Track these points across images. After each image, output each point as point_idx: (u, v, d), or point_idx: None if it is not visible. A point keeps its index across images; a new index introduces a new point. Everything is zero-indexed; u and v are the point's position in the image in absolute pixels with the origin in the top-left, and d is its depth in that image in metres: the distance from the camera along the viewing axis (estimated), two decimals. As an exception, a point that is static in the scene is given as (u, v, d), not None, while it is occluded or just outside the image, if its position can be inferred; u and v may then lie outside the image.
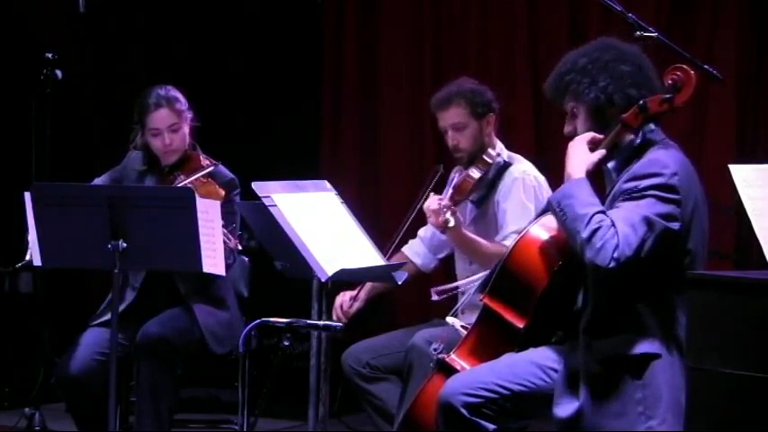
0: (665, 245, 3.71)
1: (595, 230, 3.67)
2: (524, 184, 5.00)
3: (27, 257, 4.98)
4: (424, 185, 5.05)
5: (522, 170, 5.05)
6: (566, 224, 3.76)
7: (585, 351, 3.80)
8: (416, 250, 5.28)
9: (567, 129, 3.97)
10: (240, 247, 4.96)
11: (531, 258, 3.97)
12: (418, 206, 4.95)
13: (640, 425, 3.74)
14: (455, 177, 5.00)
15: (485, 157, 5.00)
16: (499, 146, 5.12)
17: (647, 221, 3.68)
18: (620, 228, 3.66)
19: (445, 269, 5.40)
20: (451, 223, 4.82)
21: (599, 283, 3.79)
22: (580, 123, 3.93)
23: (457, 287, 4.70)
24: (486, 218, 5.06)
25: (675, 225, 3.73)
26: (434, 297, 4.64)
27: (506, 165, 5.05)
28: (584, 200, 3.75)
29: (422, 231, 5.25)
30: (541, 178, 5.08)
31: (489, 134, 5.09)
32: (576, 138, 3.90)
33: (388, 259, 4.71)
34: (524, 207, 4.94)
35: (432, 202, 4.86)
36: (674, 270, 3.77)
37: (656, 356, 3.75)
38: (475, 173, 4.97)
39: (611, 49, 3.92)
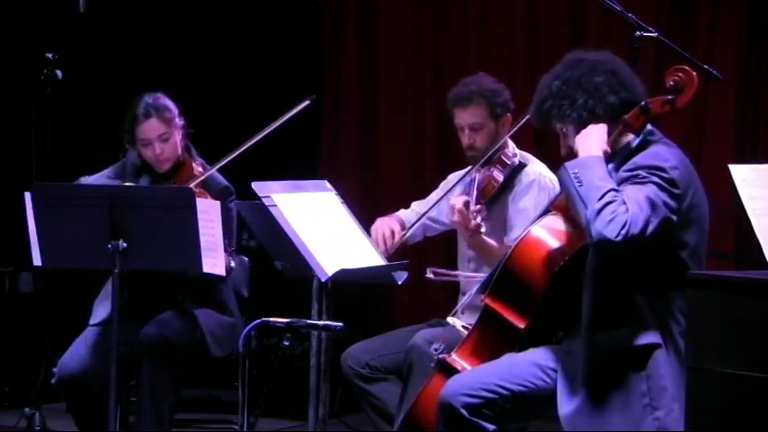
0: (662, 234, 3.72)
1: (608, 203, 3.68)
2: (540, 185, 4.95)
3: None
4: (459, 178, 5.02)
5: (538, 171, 5.01)
6: (579, 191, 3.74)
7: (588, 347, 3.81)
8: (410, 220, 5.22)
9: (564, 151, 3.99)
10: (233, 264, 4.93)
11: (533, 259, 3.97)
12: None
13: (647, 416, 3.75)
14: (476, 177, 4.96)
15: (504, 159, 4.96)
16: (512, 145, 5.08)
17: (652, 203, 3.70)
18: (630, 205, 3.67)
19: (447, 259, 5.38)
20: (483, 229, 4.79)
21: (599, 261, 3.79)
22: (572, 142, 3.94)
23: (456, 276, 4.68)
24: (497, 218, 5.01)
25: (674, 216, 3.74)
26: (429, 275, 4.61)
27: (521, 165, 5.01)
28: (601, 174, 3.76)
29: (417, 206, 5.20)
30: (555, 179, 5.04)
31: (504, 134, 5.05)
32: (597, 125, 3.89)
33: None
34: (537, 209, 4.90)
35: (458, 202, 4.83)
36: (670, 263, 3.79)
37: (657, 346, 3.77)
38: (499, 176, 4.92)
39: (580, 63, 3.93)
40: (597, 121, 3.88)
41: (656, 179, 3.74)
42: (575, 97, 3.88)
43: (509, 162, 4.97)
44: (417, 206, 5.22)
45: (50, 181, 5.40)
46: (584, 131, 3.89)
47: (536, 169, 5.03)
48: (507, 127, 5.05)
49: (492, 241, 4.91)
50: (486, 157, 4.95)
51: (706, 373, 3.42)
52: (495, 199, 5.01)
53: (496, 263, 4.78)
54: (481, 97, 5.00)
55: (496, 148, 4.96)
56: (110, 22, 7.10)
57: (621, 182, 3.78)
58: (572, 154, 3.93)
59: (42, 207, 4.54)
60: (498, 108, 5.01)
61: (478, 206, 4.80)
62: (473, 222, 4.76)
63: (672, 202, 3.74)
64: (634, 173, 3.77)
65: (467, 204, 4.79)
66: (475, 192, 4.89)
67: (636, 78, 3.92)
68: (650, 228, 3.67)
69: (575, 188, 3.77)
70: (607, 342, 3.80)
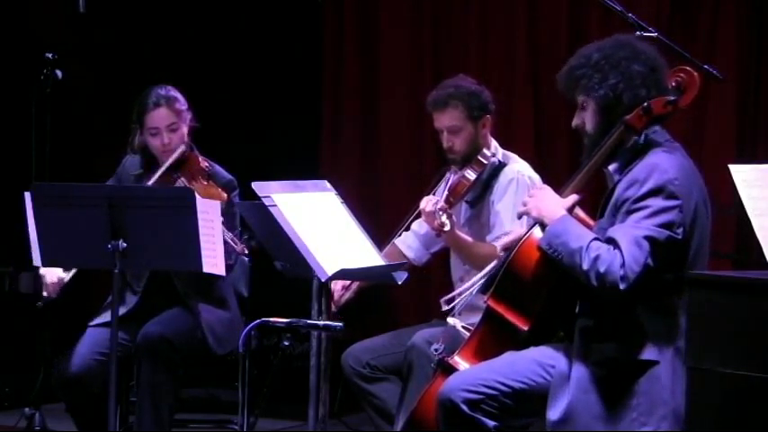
0: (669, 252, 3.71)
1: (596, 258, 3.69)
2: (518, 184, 4.97)
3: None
4: (429, 186, 5.04)
5: (517, 170, 5.02)
6: (564, 263, 3.78)
7: (580, 353, 3.80)
8: (409, 244, 5.25)
9: (576, 121, 3.98)
10: (246, 251, 4.95)
11: (535, 261, 3.96)
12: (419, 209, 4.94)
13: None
14: (450, 178, 4.98)
15: (480, 158, 4.96)
16: (494, 145, 5.10)
17: (651, 239, 3.70)
18: (624, 246, 3.68)
19: (445, 269, 5.39)
20: (447, 227, 4.80)
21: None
22: (588, 118, 3.94)
23: (464, 292, 4.68)
24: (481, 218, 5.05)
25: (679, 231, 3.73)
26: (444, 307, 4.64)
27: (501, 165, 5.02)
28: (575, 233, 3.79)
29: (415, 225, 5.22)
30: (536, 177, 5.06)
31: (485, 135, 5.06)
32: (543, 187, 3.97)
33: (380, 252, 4.70)
34: (515, 208, 4.91)
35: (427, 204, 4.84)
36: (677, 274, 3.77)
37: (653, 363, 3.75)
38: (470, 174, 4.93)
39: (627, 47, 3.92)
40: (620, 107, 3.87)
41: (653, 200, 3.73)
42: (608, 75, 3.87)
43: (486, 162, 4.96)
44: (415, 226, 5.22)
45: (50, 181, 5.39)
46: (535, 199, 3.94)
47: (515, 168, 5.03)
48: (488, 128, 5.06)
49: (466, 236, 4.94)
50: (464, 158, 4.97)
51: (706, 373, 3.42)
52: (477, 199, 5.03)
53: (477, 258, 4.82)
54: (458, 100, 5.00)
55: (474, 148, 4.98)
56: (110, 22, 7.10)
57: (622, 202, 3.77)
58: (582, 127, 3.95)
59: (42, 207, 4.54)
60: (476, 110, 5.01)
61: (441, 204, 4.80)
62: (436, 222, 4.77)
63: (675, 218, 3.73)
64: (633, 191, 3.75)
65: (435, 205, 4.81)
66: (445, 192, 4.90)
67: (668, 83, 3.91)
68: (653, 261, 3.68)
69: (559, 262, 3.80)
70: (603, 352, 3.79)
